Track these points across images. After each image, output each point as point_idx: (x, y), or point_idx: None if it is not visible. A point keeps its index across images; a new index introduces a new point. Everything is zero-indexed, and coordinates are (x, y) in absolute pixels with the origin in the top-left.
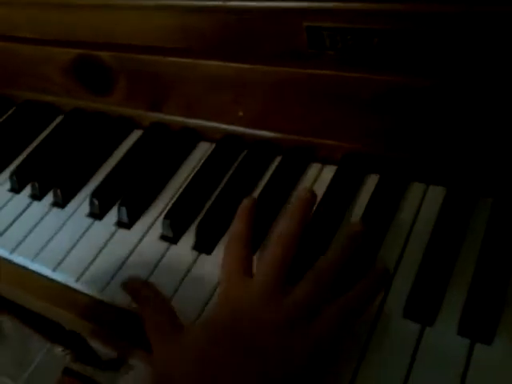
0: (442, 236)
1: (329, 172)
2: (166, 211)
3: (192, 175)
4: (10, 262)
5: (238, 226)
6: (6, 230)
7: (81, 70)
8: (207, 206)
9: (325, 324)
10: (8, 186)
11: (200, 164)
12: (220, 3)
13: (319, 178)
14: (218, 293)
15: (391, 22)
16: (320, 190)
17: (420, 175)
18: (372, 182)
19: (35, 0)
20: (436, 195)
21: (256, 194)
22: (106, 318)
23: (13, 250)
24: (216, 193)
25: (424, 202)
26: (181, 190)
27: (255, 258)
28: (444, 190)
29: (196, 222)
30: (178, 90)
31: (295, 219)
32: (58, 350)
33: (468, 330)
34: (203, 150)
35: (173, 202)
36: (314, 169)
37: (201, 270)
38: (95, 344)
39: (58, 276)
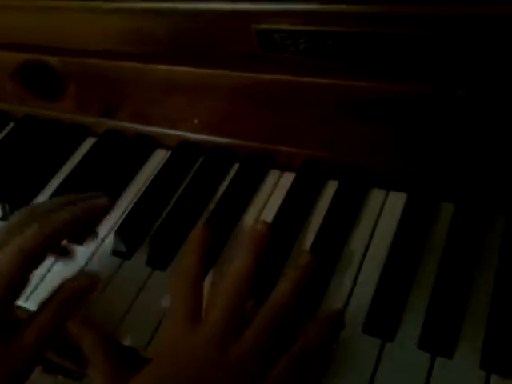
0: (402, 246)
1: (288, 179)
2: (118, 224)
3: (146, 185)
4: None
5: (188, 260)
6: None
7: (29, 75)
8: (162, 217)
9: (279, 377)
10: None
11: (156, 171)
12: (170, 5)
13: (278, 184)
14: (162, 337)
15: (345, 24)
16: (279, 197)
17: (381, 181)
18: (332, 187)
19: None
20: (397, 201)
21: (214, 202)
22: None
23: None
24: (172, 203)
25: (384, 209)
26: (135, 200)
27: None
28: (405, 196)
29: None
30: (131, 95)
31: (249, 257)
32: None
33: (429, 344)
34: (160, 157)
35: (125, 214)
36: (272, 176)
37: (155, 288)
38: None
39: None
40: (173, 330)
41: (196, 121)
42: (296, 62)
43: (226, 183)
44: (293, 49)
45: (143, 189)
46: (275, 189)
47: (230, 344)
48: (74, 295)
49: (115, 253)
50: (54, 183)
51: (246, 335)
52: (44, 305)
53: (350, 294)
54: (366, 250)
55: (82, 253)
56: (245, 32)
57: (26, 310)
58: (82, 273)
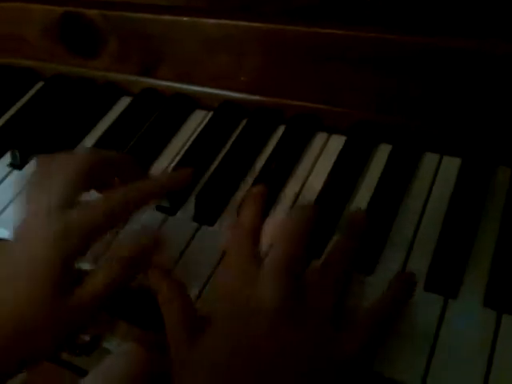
0: (460, 209)
1: (336, 142)
2: None
3: (188, 144)
4: None
5: (246, 214)
6: None
7: (66, 30)
8: (207, 175)
9: (358, 336)
10: None
11: (197, 132)
12: None
13: (326, 148)
14: (219, 285)
15: None
16: (326, 160)
17: (434, 145)
18: (383, 152)
19: None
20: (450, 166)
21: (259, 164)
22: None
23: None
24: (215, 163)
25: (438, 174)
26: (176, 159)
27: None
28: (459, 161)
29: (195, 192)
30: (174, 52)
31: (308, 217)
32: None
33: (494, 302)
34: (199, 118)
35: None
36: (320, 138)
37: (202, 244)
38: None
39: None
40: (234, 278)
41: (243, 78)
42: (351, 16)
43: (271, 144)
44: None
45: (182, 149)
46: (323, 152)
47: (295, 297)
48: (138, 257)
49: (159, 208)
50: (87, 143)
51: (310, 289)
52: (107, 263)
53: (408, 254)
54: (423, 210)
55: None
56: None
57: None
58: (145, 233)
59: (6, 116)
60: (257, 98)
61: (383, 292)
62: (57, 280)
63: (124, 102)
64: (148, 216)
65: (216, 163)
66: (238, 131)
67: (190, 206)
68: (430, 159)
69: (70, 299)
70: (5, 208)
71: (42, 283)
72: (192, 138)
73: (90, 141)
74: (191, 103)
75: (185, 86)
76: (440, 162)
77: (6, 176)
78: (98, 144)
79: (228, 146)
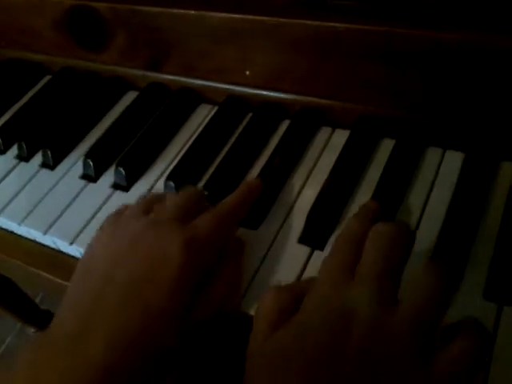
0: (462, 203)
1: (339, 136)
2: (167, 174)
3: (194, 137)
4: None
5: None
6: None
7: (74, 23)
8: (211, 170)
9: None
10: None
11: (202, 126)
12: None
13: (329, 142)
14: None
15: None
16: (330, 155)
17: (437, 140)
18: (386, 146)
19: None
20: (454, 161)
21: (263, 158)
22: None
23: None
24: (220, 157)
25: (441, 168)
26: (181, 152)
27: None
28: (462, 155)
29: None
30: (181, 46)
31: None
32: (30, 330)
33: (494, 295)
34: (204, 112)
35: (174, 164)
36: (324, 133)
37: None
38: None
39: (48, 240)
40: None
41: (248, 72)
42: (361, 10)
43: (275, 139)
44: None
45: (188, 143)
46: (327, 146)
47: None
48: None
49: None
50: (96, 134)
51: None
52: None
53: None
54: (425, 203)
55: (128, 200)
56: None
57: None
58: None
59: (14, 109)
60: (262, 92)
61: None
62: (188, 287)
63: (130, 96)
64: None
65: (220, 157)
66: (242, 125)
67: None
68: (433, 153)
69: (196, 309)
70: (11, 200)
71: (174, 287)
72: (197, 132)
73: (96, 134)
74: (197, 97)
75: (190, 80)
76: (443, 157)
77: (13, 168)
78: (104, 137)
79: (233, 140)
